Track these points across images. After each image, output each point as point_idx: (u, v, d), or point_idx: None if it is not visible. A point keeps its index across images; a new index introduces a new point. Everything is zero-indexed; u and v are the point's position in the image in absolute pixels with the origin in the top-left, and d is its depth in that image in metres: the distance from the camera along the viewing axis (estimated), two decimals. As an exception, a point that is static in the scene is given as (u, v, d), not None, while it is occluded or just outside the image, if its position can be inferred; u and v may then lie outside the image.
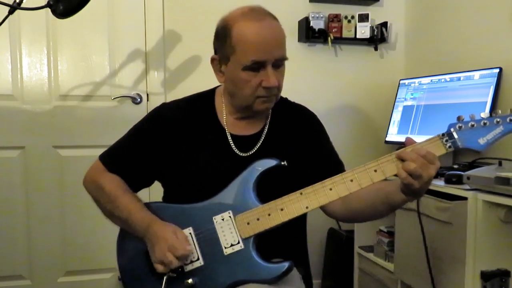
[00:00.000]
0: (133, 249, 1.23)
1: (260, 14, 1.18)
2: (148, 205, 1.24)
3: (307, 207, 1.11)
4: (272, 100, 1.23)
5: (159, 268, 1.13)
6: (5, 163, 2.27)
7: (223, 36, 1.19)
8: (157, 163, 1.28)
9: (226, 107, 1.30)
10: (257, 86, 1.18)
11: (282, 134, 1.30)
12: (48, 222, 2.32)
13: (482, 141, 1.03)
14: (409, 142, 1.06)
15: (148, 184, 1.34)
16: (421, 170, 1.00)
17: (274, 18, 1.20)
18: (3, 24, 1.57)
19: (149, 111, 2.32)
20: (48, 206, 2.32)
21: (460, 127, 1.04)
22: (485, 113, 1.03)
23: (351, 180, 1.08)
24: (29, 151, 2.29)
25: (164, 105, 1.37)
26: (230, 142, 1.27)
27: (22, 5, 1.55)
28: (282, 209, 1.12)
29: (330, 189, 1.09)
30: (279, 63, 1.19)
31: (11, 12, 1.55)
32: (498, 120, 1.02)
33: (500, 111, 1.03)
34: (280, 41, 1.18)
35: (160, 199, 1.34)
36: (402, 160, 1.03)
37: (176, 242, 1.12)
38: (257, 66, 1.16)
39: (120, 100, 2.36)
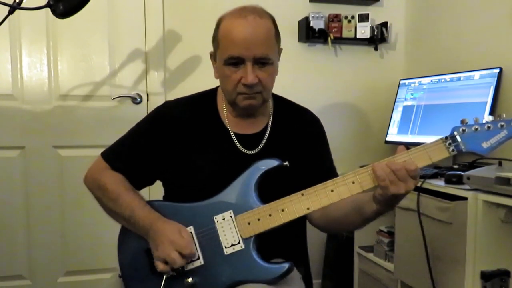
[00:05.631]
0: (134, 246, 1.23)
1: (247, 11, 1.17)
2: (148, 203, 1.23)
3: (308, 208, 1.11)
4: (256, 98, 1.21)
5: (160, 266, 1.13)
6: (5, 163, 2.27)
7: (214, 32, 1.23)
8: (160, 162, 1.28)
9: (226, 106, 1.30)
10: (237, 82, 1.18)
11: (285, 133, 1.30)
12: (48, 222, 2.32)
13: (485, 145, 1.01)
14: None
15: (151, 182, 1.34)
16: (393, 186, 1.01)
17: (263, 17, 1.18)
18: (3, 24, 1.57)
19: (149, 111, 2.32)
20: (48, 206, 2.31)
21: (463, 130, 1.02)
22: (489, 117, 1.02)
23: (353, 182, 1.08)
24: (29, 151, 2.29)
25: (167, 104, 1.36)
26: (234, 141, 1.27)
27: (22, 5, 1.55)
28: (283, 210, 1.11)
29: (332, 191, 1.09)
30: (262, 61, 1.17)
31: (11, 12, 1.55)
32: (502, 124, 1.00)
33: (504, 115, 1.01)
34: (261, 39, 1.15)
35: (160, 198, 1.33)
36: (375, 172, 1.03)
37: (182, 241, 1.11)
38: (235, 62, 1.17)
39: (120, 100, 2.36)
